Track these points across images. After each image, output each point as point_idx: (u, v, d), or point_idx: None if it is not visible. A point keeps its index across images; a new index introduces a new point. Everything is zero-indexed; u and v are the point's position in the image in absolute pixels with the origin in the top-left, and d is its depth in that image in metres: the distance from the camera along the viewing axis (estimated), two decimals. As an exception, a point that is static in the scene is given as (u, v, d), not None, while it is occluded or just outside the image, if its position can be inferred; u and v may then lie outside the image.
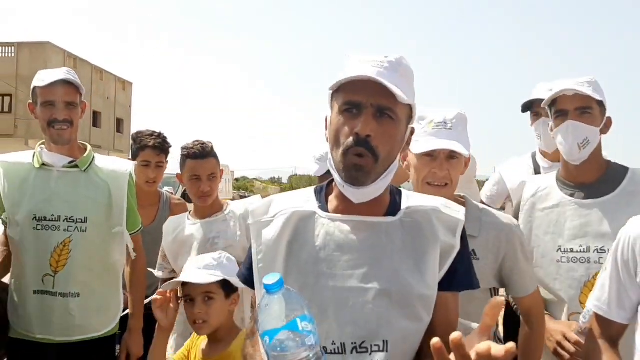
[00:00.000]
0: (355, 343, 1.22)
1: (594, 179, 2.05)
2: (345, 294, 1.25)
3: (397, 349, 1.23)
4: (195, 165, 2.54)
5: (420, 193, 1.55)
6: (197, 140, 2.59)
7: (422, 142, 1.79)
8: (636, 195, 1.96)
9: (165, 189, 4.30)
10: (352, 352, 1.22)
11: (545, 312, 2.01)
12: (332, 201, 1.36)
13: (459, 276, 1.32)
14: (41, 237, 2.30)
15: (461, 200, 1.90)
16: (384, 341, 1.22)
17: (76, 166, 2.40)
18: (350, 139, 1.24)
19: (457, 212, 1.36)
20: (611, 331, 1.54)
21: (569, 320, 1.98)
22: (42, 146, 2.41)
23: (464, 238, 1.34)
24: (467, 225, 1.80)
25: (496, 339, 1.94)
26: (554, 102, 2.04)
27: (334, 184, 1.36)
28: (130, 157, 3.15)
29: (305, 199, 1.38)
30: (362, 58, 1.27)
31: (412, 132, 1.36)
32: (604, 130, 2.05)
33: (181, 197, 4.85)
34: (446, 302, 1.31)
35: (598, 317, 1.57)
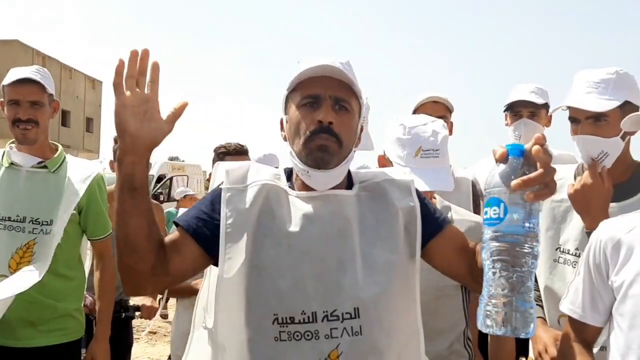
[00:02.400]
0: (326, 312, 1.27)
1: (615, 183, 1.81)
2: (315, 264, 1.30)
3: (368, 315, 1.28)
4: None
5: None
6: None
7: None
8: None
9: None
10: (323, 321, 1.27)
11: (540, 316, 1.97)
12: (297, 186, 1.42)
13: (438, 218, 1.43)
14: (3, 237, 2.23)
15: (434, 200, 1.91)
16: (354, 308, 1.28)
17: (45, 167, 2.34)
18: (312, 127, 1.32)
19: (404, 174, 1.47)
20: (586, 334, 1.55)
21: (558, 322, 1.94)
22: (12, 145, 2.35)
23: (419, 196, 1.43)
24: None
25: (466, 339, 1.94)
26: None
27: (294, 174, 1.42)
28: (112, 158, 3.12)
29: (276, 176, 1.43)
30: (315, 58, 1.34)
31: (362, 129, 1.45)
32: (631, 132, 1.80)
33: (152, 198, 4.79)
34: (449, 234, 1.42)
35: (572, 321, 1.57)
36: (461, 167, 2.78)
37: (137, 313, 3.06)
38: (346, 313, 1.28)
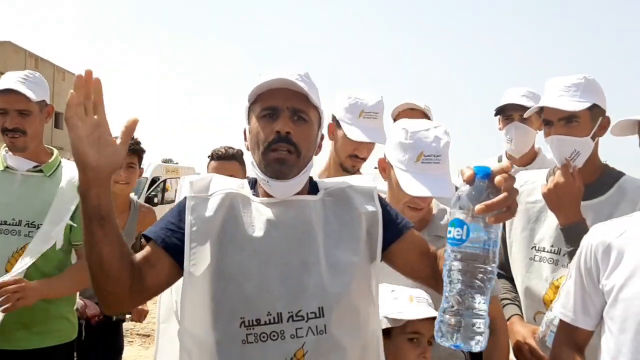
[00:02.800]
0: (291, 312, 1.32)
1: (588, 182, 1.94)
2: (280, 267, 1.35)
3: (332, 314, 1.34)
4: None
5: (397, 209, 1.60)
6: None
7: (408, 179, 1.76)
8: (618, 206, 1.89)
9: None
10: (288, 321, 1.32)
11: (516, 314, 2.03)
12: (262, 192, 1.46)
13: (400, 223, 1.48)
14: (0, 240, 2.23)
15: (429, 205, 1.92)
16: (319, 308, 1.33)
17: (41, 171, 2.34)
18: (271, 137, 1.36)
19: (367, 181, 1.53)
20: (577, 337, 1.57)
21: (534, 318, 2.00)
22: (7, 148, 2.35)
23: (382, 203, 1.49)
24: (436, 226, 1.84)
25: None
26: (541, 109, 1.99)
27: (258, 183, 1.46)
28: None
29: (240, 185, 1.47)
30: (275, 71, 1.39)
31: (322, 137, 1.50)
32: (600, 133, 1.95)
33: (145, 201, 4.81)
34: (410, 239, 1.47)
35: (564, 324, 1.59)
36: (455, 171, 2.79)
37: (127, 316, 3.05)
38: (311, 312, 1.33)
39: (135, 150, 3.06)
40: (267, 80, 1.37)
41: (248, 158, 1.46)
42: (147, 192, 13.61)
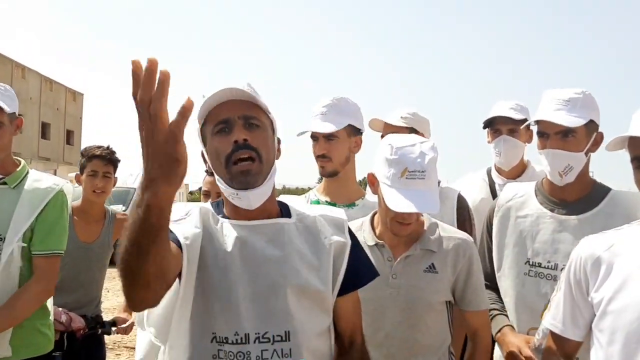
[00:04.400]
0: (258, 334, 1.33)
1: (576, 198, 2.00)
2: (249, 288, 1.35)
3: (298, 339, 1.35)
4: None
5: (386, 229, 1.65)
6: None
7: (394, 195, 1.75)
8: (612, 217, 1.87)
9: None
10: (254, 342, 1.33)
11: (507, 324, 2.02)
12: (230, 213, 1.46)
13: (362, 271, 1.51)
14: None
15: (420, 219, 1.92)
16: (285, 332, 1.34)
17: (5, 183, 2.30)
18: (229, 148, 1.36)
19: (339, 213, 1.55)
20: (566, 348, 1.59)
21: (527, 334, 1.98)
22: None
23: (352, 235, 1.52)
24: (428, 241, 1.85)
25: (450, 354, 1.96)
26: (537, 121, 1.99)
27: (225, 201, 1.47)
28: (78, 171, 3.13)
29: (206, 209, 1.46)
30: (218, 87, 1.38)
31: (279, 141, 1.51)
32: (593, 149, 1.97)
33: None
34: (351, 303, 1.50)
35: (554, 335, 1.61)
36: (445, 180, 2.78)
37: (113, 329, 3.02)
38: (277, 336, 1.34)
39: (111, 160, 3.09)
40: (214, 92, 1.37)
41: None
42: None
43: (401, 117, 2.63)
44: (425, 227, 1.92)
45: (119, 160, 3.16)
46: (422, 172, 1.74)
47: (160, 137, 0.99)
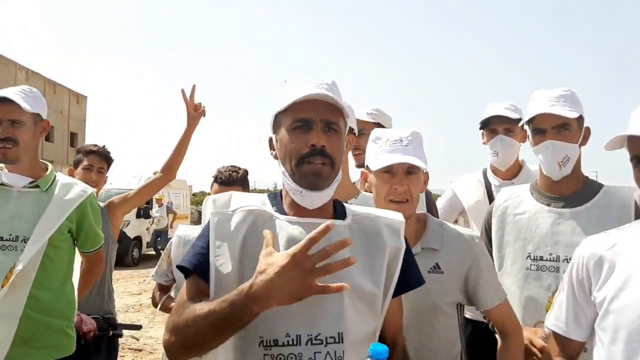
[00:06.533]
0: (310, 335, 1.31)
1: (572, 192, 2.10)
2: None
3: (351, 340, 1.33)
4: None
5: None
6: None
7: (380, 159, 1.84)
8: (608, 209, 1.99)
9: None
10: (307, 344, 1.30)
11: None
12: (286, 206, 1.45)
13: (411, 276, 1.48)
14: None
15: (422, 218, 1.93)
16: (338, 333, 1.32)
17: (37, 186, 2.36)
18: (305, 150, 1.36)
19: (397, 214, 1.52)
20: (569, 349, 1.59)
21: (535, 327, 1.99)
22: (2, 165, 2.37)
23: (405, 238, 1.49)
24: (430, 239, 1.84)
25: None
26: (531, 119, 2.08)
27: (284, 193, 1.46)
28: (73, 167, 3.27)
29: (261, 202, 1.46)
30: (303, 81, 1.41)
31: (347, 144, 1.53)
32: (583, 142, 2.10)
33: (137, 211, 4.86)
34: (397, 306, 1.49)
35: (556, 336, 1.61)
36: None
37: (124, 331, 3.07)
38: (330, 337, 1.31)
39: (106, 157, 3.29)
40: (302, 96, 1.36)
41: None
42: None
43: (367, 113, 2.79)
44: (427, 226, 1.92)
45: (112, 160, 3.36)
46: (405, 141, 1.83)
47: (311, 282, 1.18)
